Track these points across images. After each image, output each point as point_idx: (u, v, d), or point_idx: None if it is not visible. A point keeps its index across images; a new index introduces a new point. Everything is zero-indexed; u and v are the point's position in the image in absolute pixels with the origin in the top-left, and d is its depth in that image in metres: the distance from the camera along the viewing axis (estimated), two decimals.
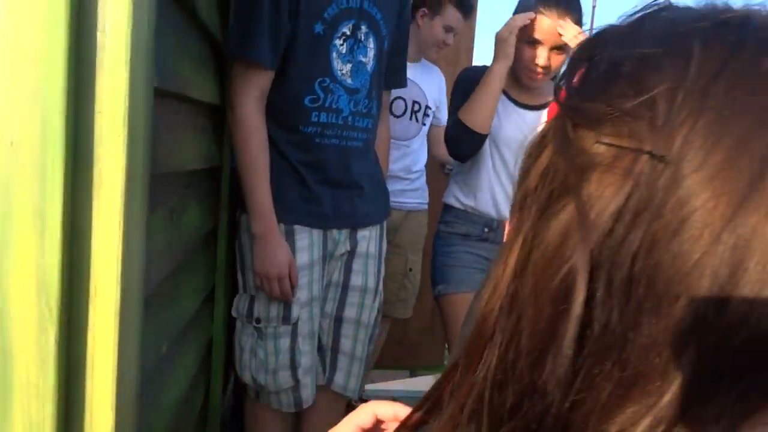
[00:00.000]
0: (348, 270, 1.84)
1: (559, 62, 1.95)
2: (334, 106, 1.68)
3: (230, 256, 1.80)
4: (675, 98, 0.37)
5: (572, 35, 1.86)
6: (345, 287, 1.85)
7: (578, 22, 1.92)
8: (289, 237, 1.66)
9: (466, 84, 2.07)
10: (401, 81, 2.05)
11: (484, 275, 2.01)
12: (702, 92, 0.37)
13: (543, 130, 0.46)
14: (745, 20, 0.41)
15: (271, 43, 1.56)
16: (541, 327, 0.42)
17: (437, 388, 0.52)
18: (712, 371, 0.37)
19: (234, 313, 1.75)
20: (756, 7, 0.44)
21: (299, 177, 1.67)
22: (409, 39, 2.57)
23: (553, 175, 0.42)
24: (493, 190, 2.07)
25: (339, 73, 1.68)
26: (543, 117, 2.04)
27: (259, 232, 1.62)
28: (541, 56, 1.94)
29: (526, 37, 1.95)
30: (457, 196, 2.14)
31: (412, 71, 2.62)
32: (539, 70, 1.96)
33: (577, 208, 0.40)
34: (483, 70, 2.03)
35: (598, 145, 0.40)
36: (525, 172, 0.46)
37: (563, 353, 0.40)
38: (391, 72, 1.93)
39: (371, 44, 1.76)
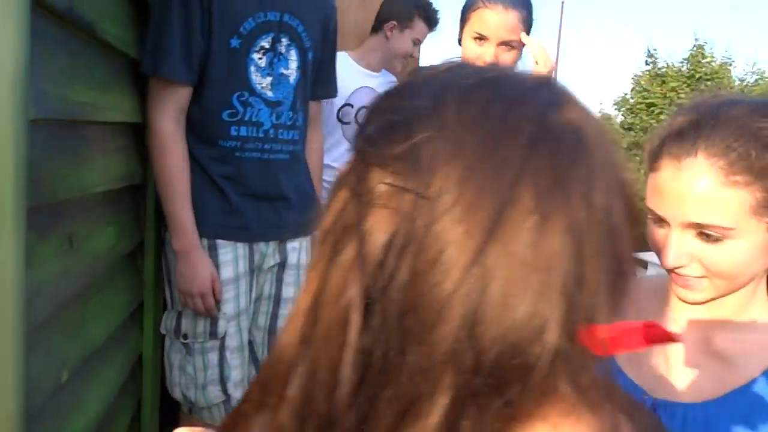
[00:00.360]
0: (279, 282, 1.85)
1: (509, 59, 1.82)
2: (254, 120, 1.68)
3: (159, 273, 1.79)
4: (434, 145, 0.43)
5: (536, 47, 1.79)
6: (277, 299, 1.85)
7: (526, 17, 1.81)
8: (212, 251, 1.66)
9: None
10: (331, 91, 2.05)
11: None
12: (456, 141, 0.43)
13: (343, 171, 0.49)
14: (500, 79, 0.48)
15: (183, 59, 1.56)
16: (333, 357, 0.45)
17: (228, 422, 0.53)
18: (473, 390, 0.42)
19: (162, 330, 1.75)
20: (521, 69, 0.50)
21: (220, 191, 1.67)
22: (374, 49, 2.60)
23: (345, 213, 0.46)
24: None
25: (258, 86, 1.68)
26: None
27: (180, 248, 1.61)
28: (488, 53, 1.82)
29: (472, 34, 1.87)
30: None
31: (375, 81, 2.62)
32: None
33: (357, 242, 0.44)
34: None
35: (380, 185, 0.45)
36: (325, 210, 0.49)
37: (343, 381, 0.44)
38: (319, 83, 1.94)
39: (293, 56, 1.76)
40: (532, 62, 1.81)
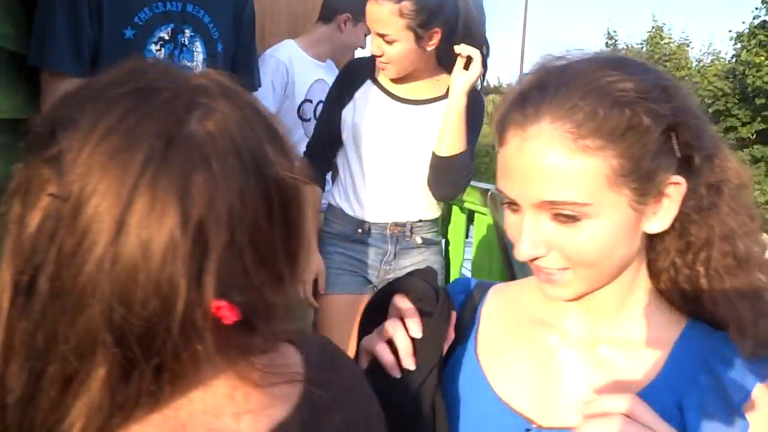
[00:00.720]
0: None
1: (395, 51, 1.77)
2: None
3: None
4: (74, 153, 0.49)
5: (469, 52, 1.74)
6: None
7: (412, 9, 1.71)
8: None
9: (343, 78, 1.98)
10: (250, 84, 1.96)
11: (354, 277, 1.90)
12: (90, 150, 0.49)
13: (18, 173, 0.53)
14: (148, 89, 0.52)
15: (70, 50, 1.48)
16: None
17: None
18: (124, 360, 0.49)
19: None
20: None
21: None
22: (325, 40, 2.50)
23: (13, 210, 0.52)
24: (357, 191, 1.96)
25: None
26: (426, 112, 1.88)
27: None
28: (372, 43, 1.82)
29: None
30: (333, 195, 2.05)
31: (323, 71, 2.55)
32: (376, 58, 1.83)
33: (14, 236, 0.51)
34: (369, 61, 1.93)
35: (42, 186, 0.50)
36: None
37: None
38: (236, 76, 1.84)
39: (199, 48, 1.67)
40: (460, 65, 1.77)
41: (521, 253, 0.73)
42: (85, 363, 0.49)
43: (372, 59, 1.92)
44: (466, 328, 0.88)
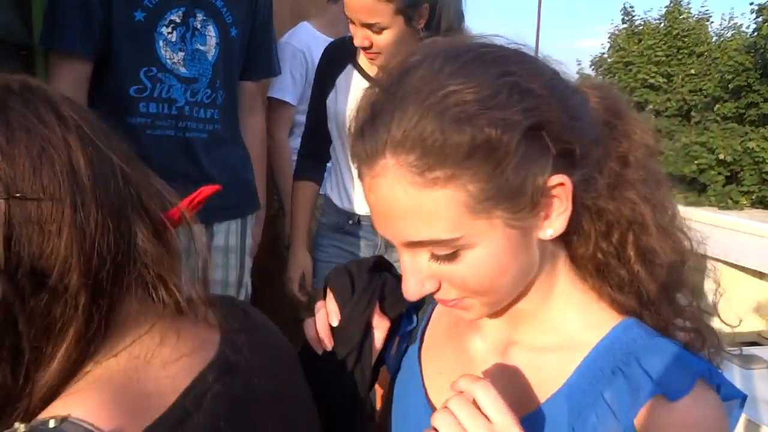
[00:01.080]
0: None
1: (386, 40, 1.60)
2: (164, 96, 1.61)
3: None
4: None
5: None
6: None
7: None
8: None
9: (323, 64, 1.88)
10: (269, 70, 1.96)
11: None
12: (6, 163, 0.56)
13: None
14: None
15: (80, 31, 1.50)
16: None
17: None
18: (90, 301, 0.59)
19: None
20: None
21: None
22: (339, 18, 2.44)
23: None
24: (344, 181, 1.90)
25: (169, 62, 1.60)
26: None
27: None
28: (356, 35, 1.64)
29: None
30: (326, 185, 2.02)
31: None
32: (363, 50, 1.68)
33: None
34: (348, 42, 1.78)
35: None
36: None
37: None
38: (255, 63, 1.85)
39: (211, 32, 1.68)
40: None
41: (409, 294, 0.68)
42: (68, 313, 0.58)
43: (351, 40, 1.74)
44: (420, 327, 0.87)
